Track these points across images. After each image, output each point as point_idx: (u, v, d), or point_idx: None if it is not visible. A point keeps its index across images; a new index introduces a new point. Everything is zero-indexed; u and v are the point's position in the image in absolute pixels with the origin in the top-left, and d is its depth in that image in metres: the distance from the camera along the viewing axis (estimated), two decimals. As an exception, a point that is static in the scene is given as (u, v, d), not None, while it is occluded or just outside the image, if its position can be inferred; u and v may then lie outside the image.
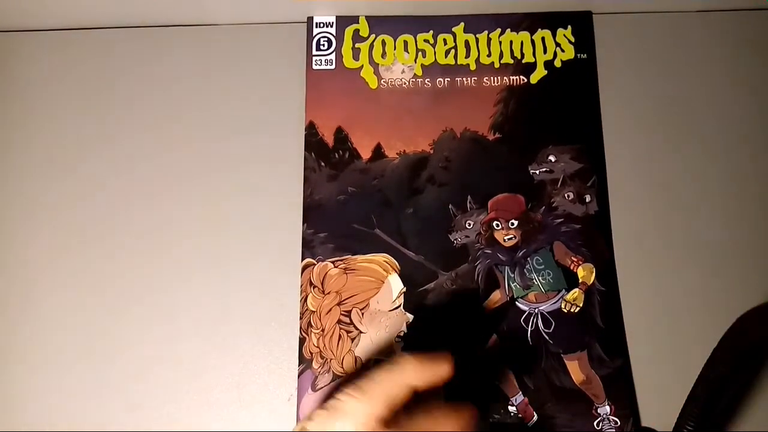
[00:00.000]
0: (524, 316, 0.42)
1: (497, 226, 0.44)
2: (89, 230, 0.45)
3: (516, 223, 0.44)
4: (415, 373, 0.30)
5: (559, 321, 0.42)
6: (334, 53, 0.48)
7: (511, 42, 0.48)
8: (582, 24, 0.48)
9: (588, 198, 0.44)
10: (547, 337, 0.42)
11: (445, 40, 0.48)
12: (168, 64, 0.48)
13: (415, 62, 0.48)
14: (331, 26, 0.48)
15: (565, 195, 0.45)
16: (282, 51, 0.48)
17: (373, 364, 0.41)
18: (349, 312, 0.42)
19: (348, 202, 0.45)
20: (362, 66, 0.48)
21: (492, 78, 0.47)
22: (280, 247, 0.44)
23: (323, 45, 0.48)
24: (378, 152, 0.46)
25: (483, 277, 0.43)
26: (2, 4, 0.47)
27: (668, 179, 0.45)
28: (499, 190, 0.45)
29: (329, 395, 0.35)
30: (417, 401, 0.30)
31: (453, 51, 0.48)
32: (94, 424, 0.41)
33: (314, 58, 0.48)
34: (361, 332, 0.42)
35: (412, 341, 0.42)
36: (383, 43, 0.48)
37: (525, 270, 0.43)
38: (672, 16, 0.49)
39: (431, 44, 0.48)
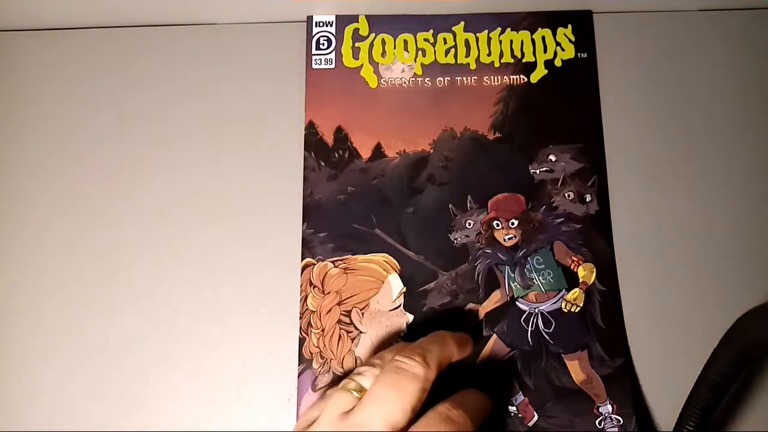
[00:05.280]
0: (524, 316, 0.42)
1: (497, 225, 0.44)
2: (89, 230, 0.45)
3: (516, 222, 0.44)
4: (455, 349, 0.33)
5: (560, 321, 0.42)
6: (333, 52, 0.48)
7: (511, 41, 0.48)
8: (582, 23, 0.48)
9: (588, 198, 0.44)
10: (547, 337, 0.42)
11: (445, 40, 0.48)
12: (166, 63, 0.48)
13: (415, 61, 0.48)
14: (331, 25, 0.48)
15: (566, 195, 0.44)
16: (281, 50, 0.48)
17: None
18: (349, 312, 0.42)
19: (348, 201, 0.45)
20: (362, 65, 0.47)
21: (492, 77, 0.47)
22: (279, 247, 0.44)
23: (323, 44, 0.48)
24: (378, 152, 0.46)
25: (483, 276, 0.43)
26: (2, 4, 0.47)
27: (668, 179, 0.45)
28: (499, 189, 0.45)
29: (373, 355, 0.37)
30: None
31: (453, 50, 0.48)
32: (94, 425, 0.41)
33: (314, 58, 0.48)
34: (361, 332, 0.42)
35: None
36: (383, 42, 0.48)
37: (525, 270, 0.43)
38: (672, 16, 0.49)
39: (431, 43, 0.48)
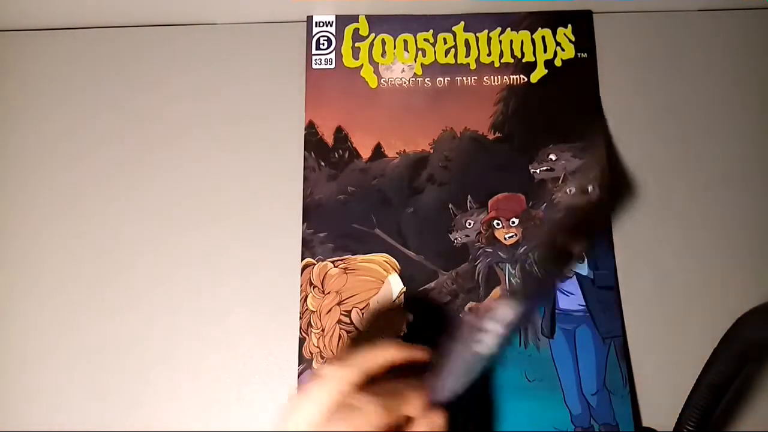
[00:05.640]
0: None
1: (498, 224, 0.44)
2: (89, 230, 0.45)
3: (517, 221, 0.44)
4: (394, 351, 0.33)
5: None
6: (333, 52, 0.48)
7: (511, 41, 0.48)
8: (582, 23, 0.48)
9: (591, 188, 0.44)
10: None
11: (445, 40, 0.48)
12: (167, 63, 0.48)
13: (415, 61, 0.48)
14: (331, 25, 0.48)
15: (567, 191, 0.44)
16: (282, 50, 0.48)
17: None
18: (349, 312, 0.42)
19: (348, 201, 0.45)
20: (362, 65, 0.47)
21: (492, 77, 0.47)
22: (280, 247, 0.44)
23: (323, 44, 0.48)
24: (378, 152, 0.46)
25: (483, 275, 0.43)
26: (2, 4, 0.47)
27: (668, 178, 0.45)
28: (499, 189, 0.45)
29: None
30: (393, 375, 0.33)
31: (453, 50, 0.48)
32: (94, 425, 0.41)
33: (314, 58, 0.48)
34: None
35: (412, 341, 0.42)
36: (383, 42, 0.48)
37: (526, 265, 0.43)
38: (672, 16, 0.49)
39: (431, 43, 0.48)
